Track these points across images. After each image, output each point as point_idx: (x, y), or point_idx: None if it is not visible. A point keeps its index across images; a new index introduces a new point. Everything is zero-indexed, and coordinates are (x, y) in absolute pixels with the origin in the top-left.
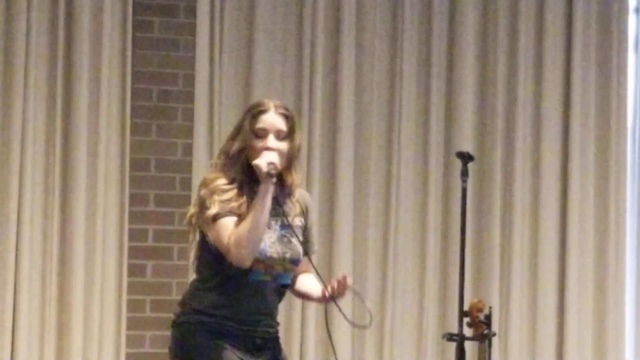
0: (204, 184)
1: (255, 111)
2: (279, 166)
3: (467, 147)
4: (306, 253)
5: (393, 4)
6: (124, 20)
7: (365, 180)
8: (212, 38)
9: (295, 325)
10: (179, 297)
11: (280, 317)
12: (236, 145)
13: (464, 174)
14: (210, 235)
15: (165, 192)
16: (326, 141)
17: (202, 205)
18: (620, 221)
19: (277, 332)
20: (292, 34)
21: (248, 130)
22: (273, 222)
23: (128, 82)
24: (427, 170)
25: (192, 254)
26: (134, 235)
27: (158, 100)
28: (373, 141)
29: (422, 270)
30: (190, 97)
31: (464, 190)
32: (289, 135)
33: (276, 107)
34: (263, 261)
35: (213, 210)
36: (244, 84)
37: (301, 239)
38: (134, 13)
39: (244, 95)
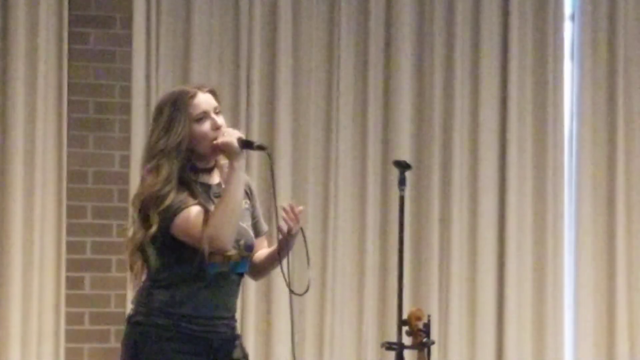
0: (149, 195)
1: (184, 99)
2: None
3: (405, 156)
4: (258, 234)
5: (329, 15)
6: (60, 32)
7: (303, 189)
8: (148, 49)
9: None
10: (118, 310)
11: None
12: (172, 139)
13: (402, 182)
14: (176, 231)
15: (102, 204)
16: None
17: (161, 215)
18: (558, 227)
19: (235, 330)
20: (229, 44)
21: (184, 119)
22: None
23: (64, 94)
24: (365, 179)
25: (134, 262)
26: (71, 247)
27: (95, 112)
28: (311, 150)
29: (361, 279)
30: (127, 108)
31: (402, 199)
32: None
33: (200, 87)
34: (218, 253)
35: (171, 206)
36: None
37: (250, 222)
38: (70, 25)
39: None
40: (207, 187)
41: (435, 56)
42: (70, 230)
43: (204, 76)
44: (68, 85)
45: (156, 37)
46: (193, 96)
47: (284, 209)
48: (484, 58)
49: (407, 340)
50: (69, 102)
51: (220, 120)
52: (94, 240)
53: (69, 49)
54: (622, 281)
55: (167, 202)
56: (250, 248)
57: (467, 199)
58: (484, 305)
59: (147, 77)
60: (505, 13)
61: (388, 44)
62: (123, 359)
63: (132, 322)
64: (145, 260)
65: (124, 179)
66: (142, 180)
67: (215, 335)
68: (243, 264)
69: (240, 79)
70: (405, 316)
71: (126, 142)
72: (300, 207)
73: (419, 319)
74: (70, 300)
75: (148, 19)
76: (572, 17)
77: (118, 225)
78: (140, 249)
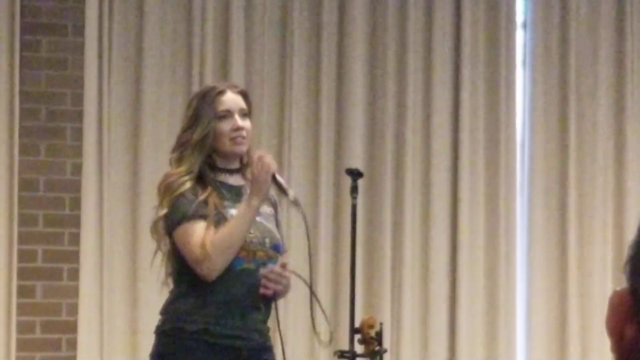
0: (166, 182)
1: (212, 94)
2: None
3: (357, 163)
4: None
5: (281, 22)
6: (12, 39)
7: None
8: (100, 57)
9: None
10: (70, 318)
11: None
12: (197, 134)
13: (354, 190)
14: (176, 239)
15: (54, 212)
16: None
17: (170, 207)
18: (510, 236)
19: (267, 339)
20: (181, 52)
21: (210, 114)
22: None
23: (16, 102)
24: (317, 187)
25: (164, 264)
26: (23, 256)
27: (46, 119)
28: None
29: (314, 287)
30: (79, 116)
31: (354, 207)
32: (249, 113)
33: (231, 87)
34: (245, 248)
35: (178, 210)
36: (133, 102)
37: (275, 226)
38: (22, 32)
39: (133, 113)
40: (228, 186)
41: (387, 64)
42: (22, 239)
43: (156, 84)
44: (20, 93)
45: (108, 44)
46: (221, 93)
47: (264, 276)
48: (436, 66)
49: (359, 348)
50: (21, 109)
51: (243, 122)
52: (46, 249)
53: (21, 57)
54: (574, 289)
55: (180, 190)
56: (277, 247)
57: (419, 206)
58: (436, 313)
59: (100, 85)
60: (457, 21)
61: (340, 52)
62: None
63: (159, 332)
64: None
65: (76, 186)
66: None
67: (245, 343)
68: (271, 263)
69: (192, 87)
70: (357, 324)
71: (78, 150)
72: (287, 273)
73: (371, 327)
74: (21, 309)
75: (100, 26)
76: (524, 25)
77: (70, 234)
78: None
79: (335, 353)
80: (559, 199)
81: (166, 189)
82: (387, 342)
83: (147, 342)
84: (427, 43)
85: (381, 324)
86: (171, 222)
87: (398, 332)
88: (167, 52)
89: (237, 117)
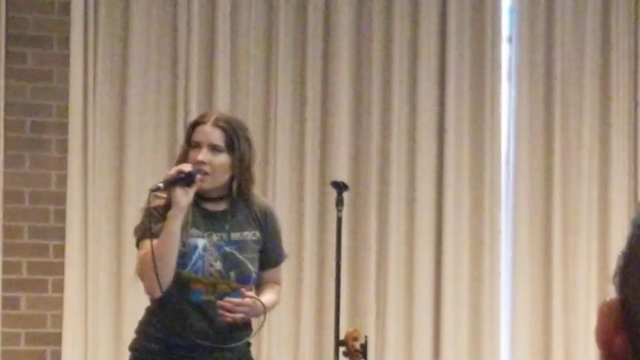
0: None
1: (193, 122)
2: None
3: (342, 176)
4: (269, 265)
5: (267, 29)
6: None
7: None
8: (85, 69)
9: None
10: (54, 330)
11: None
12: (178, 158)
13: (339, 203)
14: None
15: (39, 224)
16: None
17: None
18: (495, 249)
19: (243, 355)
20: (167, 63)
21: (185, 141)
22: (216, 239)
23: (1, 113)
24: (302, 200)
25: None
26: (7, 267)
27: (31, 131)
28: None
29: (298, 299)
30: (64, 128)
31: (339, 220)
32: (227, 148)
33: (217, 119)
34: (201, 281)
35: (136, 229)
36: (118, 114)
37: (254, 254)
38: (7, 44)
39: (118, 125)
40: (205, 212)
41: (372, 78)
42: (7, 250)
43: (141, 97)
44: (5, 105)
45: (94, 57)
46: (200, 123)
47: (220, 305)
48: (422, 80)
49: None
50: (6, 121)
51: (206, 156)
52: (31, 261)
53: (6, 69)
54: (558, 301)
55: (150, 204)
56: (244, 280)
57: (404, 220)
58: (420, 326)
59: (85, 97)
60: (443, 35)
61: (325, 64)
62: None
63: (129, 347)
64: None
65: (61, 199)
66: None
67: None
68: (234, 296)
69: (177, 102)
70: (342, 337)
71: (63, 162)
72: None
73: (355, 339)
74: (6, 321)
75: (86, 39)
76: (510, 39)
77: (54, 246)
78: None
79: None
80: (544, 212)
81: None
82: (371, 355)
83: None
84: (412, 56)
85: (366, 336)
86: (137, 240)
87: (383, 345)
88: (152, 64)
89: (204, 150)
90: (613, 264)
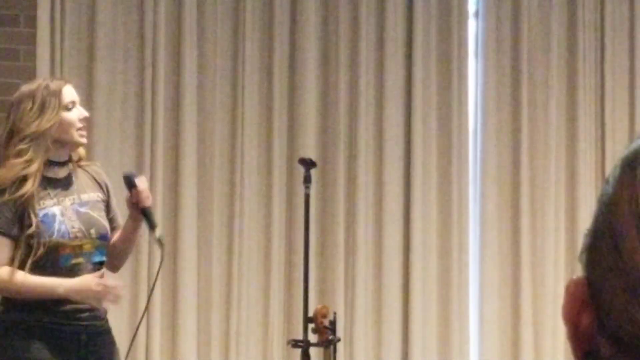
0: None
1: (55, 87)
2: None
3: (310, 153)
4: (114, 227)
5: (234, 13)
6: None
7: (208, 187)
8: (52, 47)
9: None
10: None
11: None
12: (44, 123)
13: (307, 180)
14: None
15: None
16: (169, 148)
17: None
18: (463, 225)
19: (105, 323)
20: (134, 41)
21: (57, 105)
22: (69, 202)
23: None
24: (270, 177)
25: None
26: None
27: None
28: (216, 148)
29: (267, 276)
30: None
31: (307, 197)
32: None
33: (66, 80)
34: (69, 244)
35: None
36: (86, 92)
37: (104, 212)
38: None
39: (86, 103)
40: (55, 181)
41: (340, 53)
42: None
43: (109, 74)
44: None
45: (60, 35)
46: (62, 85)
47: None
48: (388, 55)
49: (313, 337)
50: None
51: (85, 112)
52: None
53: None
54: (527, 277)
55: (29, 186)
56: (104, 237)
57: (372, 196)
58: (389, 302)
59: (52, 75)
60: (410, 11)
61: (292, 42)
62: None
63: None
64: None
65: None
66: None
67: (83, 329)
68: (99, 254)
69: (145, 77)
70: (311, 313)
71: None
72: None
73: (324, 316)
74: None
75: (52, 17)
76: (476, 15)
77: None
78: None
79: (288, 342)
80: (512, 188)
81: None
82: (340, 331)
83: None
84: (379, 33)
85: (335, 313)
86: None
87: (351, 321)
88: (119, 42)
89: (79, 107)
90: (580, 238)
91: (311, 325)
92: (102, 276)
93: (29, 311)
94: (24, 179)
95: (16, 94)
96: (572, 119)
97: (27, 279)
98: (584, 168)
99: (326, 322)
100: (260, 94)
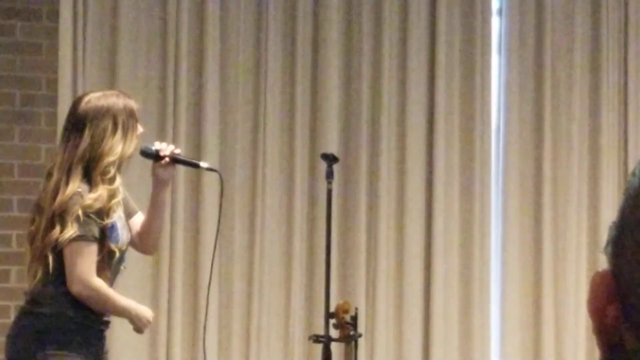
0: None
1: (131, 109)
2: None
3: (332, 148)
4: (134, 214)
5: (257, 8)
6: None
7: (230, 183)
8: (75, 42)
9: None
10: None
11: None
12: (127, 150)
13: (329, 175)
14: (66, 252)
15: (28, 197)
16: (191, 142)
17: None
18: (485, 221)
19: None
20: (156, 37)
21: (134, 128)
22: (120, 212)
23: None
24: (292, 172)
25: (35, 270)
26: None
27: (21, 104)
28: (238, 143)
29: (288, 272)
30: (53, 101)
31: (329, 192)
32: None
33: (131, 96)
34: (121, 248)
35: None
36: (108, 86)
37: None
38: None
39: None
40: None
41: (363, 50)
42: None
43: (131, 70)
44: None
45: (83, 29)
46: (135, 104)
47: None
48: (412, 52)
49: (334, 333)
50: None
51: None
52: (20, 233)
53: None
54: (548, 272)
55: (112, 217)
56: (131, 243)
57: (394, 192)
58: (410, 298)
59: (74, 70)
60: (433, 8)
61: (316, 36)
62: (23, 347)
63: (35, 312)
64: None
65: None
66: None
67: (105, 337)
68: (125, 258)
69: (167, 73)
70: (332, 309)
71: (52, 135)
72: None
73: (346, 311)
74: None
75: (75, 11)
76: (500, 12)
77: None
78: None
79: (310, 337)
80: (534, 183)
81: (95, 213)
82: (361, 327)
83: (122, 323)
84: (402, 29)
85: (356, 308)
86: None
87: (373, 317)
88: (142, 36)
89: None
90: (603, 234)
91: (332, 321)
92: None
93: (85, 316)
94: (110, 208)
95: (91, 106)
96: (595, 114)
97: (115, 296)
98: (606, 164)
99: (347, 318)
100: (282, 89)
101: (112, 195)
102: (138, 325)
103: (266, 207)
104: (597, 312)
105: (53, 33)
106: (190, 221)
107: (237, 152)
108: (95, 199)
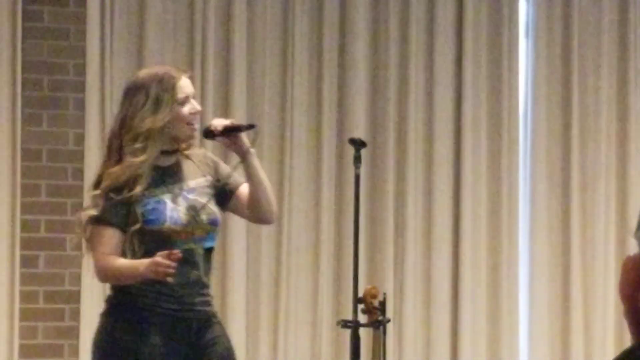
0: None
1: (170, 81)
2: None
3: (360, 133)
4: (236, 187)
5: None
6: (14, 10)
7: None
8: (102, 27)
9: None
10: (72, 288)
11: None
12: (159, 121)
13: (357, 160)
14: (88, 234)
15: (57, 182)
16: None
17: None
18: (513, 206)
19: (213, 308)
20: (183, 21)
21: (172, 101)
22: (178, 190)
23: (18, 72)
24: (320, 157)
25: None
26: (26, 225)
27: (49, 89)
28: (265, 129)
29: (317, 257)
30: (81, 86)
31: (357, 177)
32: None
33: (182, 71)
34: (181, 231)
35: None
36: (135, 72)
37: (212, 198)
38: (24, 2)
39: None
40: (163, 169)
41: (389, 33)
42: (25, 209)
43: (158, 54)
44: (22, 63)
45: (110, 14)
46: (178, 78)
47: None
48: (439, 36)
49: (362, 318)
50: (23, 80)
51: (198, 105)
52: (48, 219)
53: (23, 27)
54: (576, 258)
55: (140, 186)
56: (214, 222)
57: (422, 177)
58: (438, 283)
59: (102, 55)
60: None
61: (343, 21)
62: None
63: (110, 302)
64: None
65: (79, 157)
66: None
67: (194, 315)
68: (210, 239)
69: (194, 57)
70: (360, 294)
71: (80, 120)
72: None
73: (374, 296)
74: (24, 279)
75: None
76: None
77: (72, 204)
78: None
79: (338, 323)
80: (562, 168)
81: (124, 183)
82: (390, 312)
83: None
84: (429, 13)
85: (384, 293)
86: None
87: (401, 302)
88: (169, 21)
89: (193, 101)
90: (631, 219)
91: (361, 306)
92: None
93: (144, 296)
94: (135, 179)
95: (129, 83)
96: (623, 99)
97: (117, 262)
98: (635, 147)
99: (376, 303)
100: (310, 74)
101: (130, 166)
102: (158, 275)
103: (294, 192)
104: (629, 296)
105: (81, 18)
106: None
107: (265, 138)
108: (114, 173)
